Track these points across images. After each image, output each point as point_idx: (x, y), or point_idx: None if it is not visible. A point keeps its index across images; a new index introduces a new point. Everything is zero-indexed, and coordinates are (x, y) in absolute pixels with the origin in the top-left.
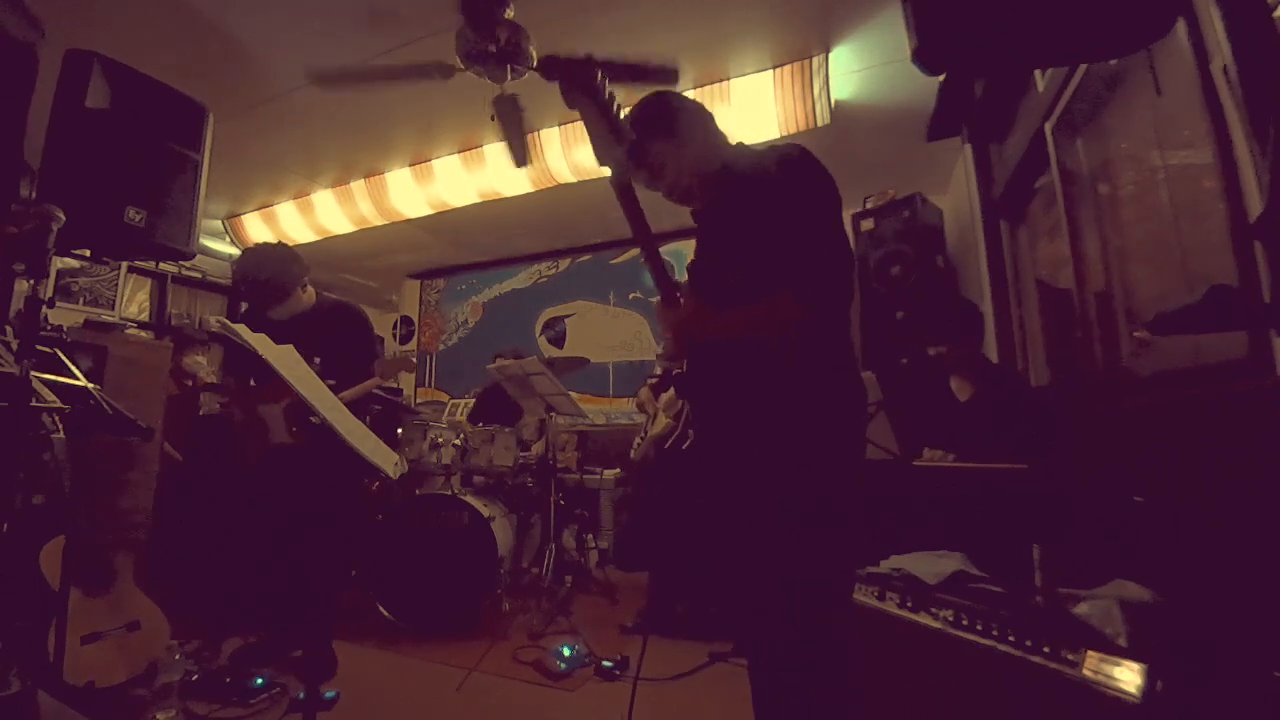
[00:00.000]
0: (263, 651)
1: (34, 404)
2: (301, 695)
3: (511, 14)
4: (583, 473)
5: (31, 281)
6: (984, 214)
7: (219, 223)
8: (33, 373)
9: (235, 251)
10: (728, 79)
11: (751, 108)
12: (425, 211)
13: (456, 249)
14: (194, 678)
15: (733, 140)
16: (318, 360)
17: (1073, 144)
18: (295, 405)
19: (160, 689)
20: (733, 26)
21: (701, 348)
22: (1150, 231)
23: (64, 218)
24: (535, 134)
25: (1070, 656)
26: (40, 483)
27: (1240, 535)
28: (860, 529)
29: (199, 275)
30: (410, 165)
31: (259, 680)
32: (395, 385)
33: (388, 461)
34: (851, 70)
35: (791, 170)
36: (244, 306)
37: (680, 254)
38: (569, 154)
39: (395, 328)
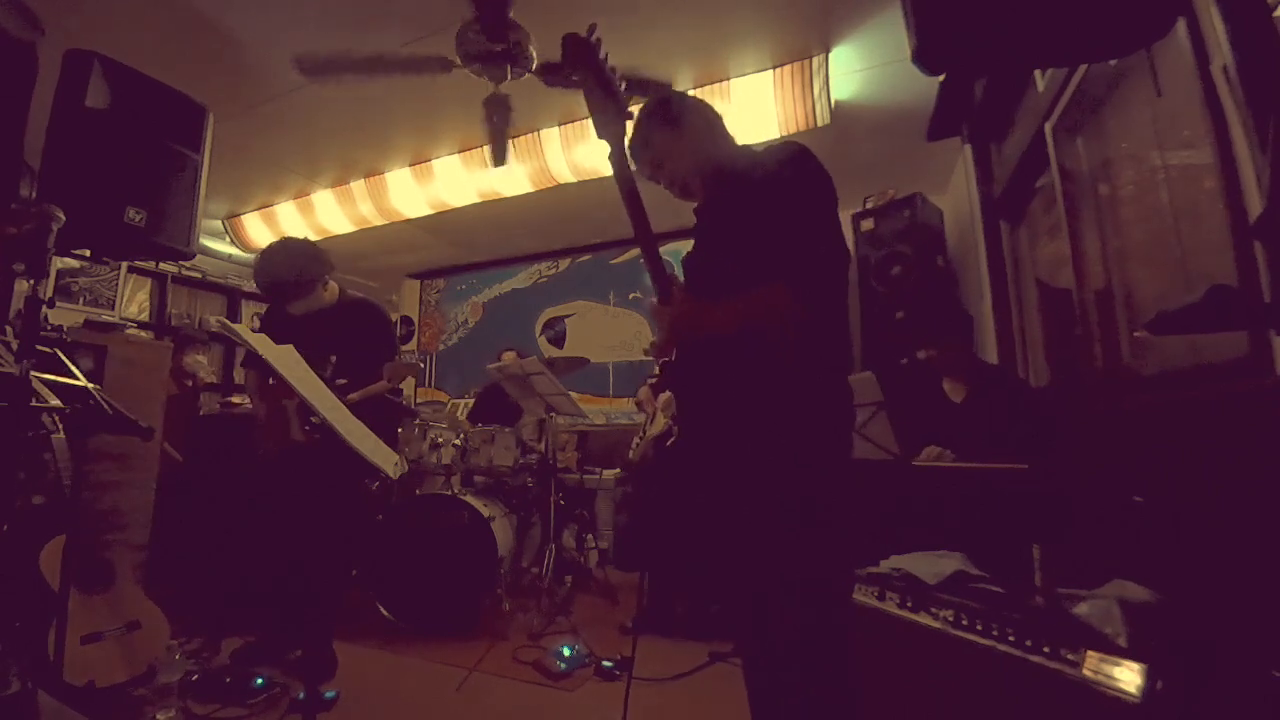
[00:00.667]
0: (262, 651)
1: (34, 404)
2: (301, 695)
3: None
4: (583, 473)
5: (31, 281)
6: (984, 214)
7: (219, 223)
8: (33, 373)
9: (235, 251)
10: (728, 79)
11: (751, 108)
12: (425, 211)
13: (456, 249)
14: (194, 678)
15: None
16: (333, 359)
17: (1073, 144)
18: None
19: (160, 689)
20: (733, 26)
21: (692, 341)
22: (1150, 231)
23: (64, 218)
24: (535, 134)
25: (1070, 656)
26: (40, 483)
27: (1240, 535)
28: (860, 529)
29: (199, 275)
30: (410, 165)
31: (259, 680)
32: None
33: (388, 461)
34: (851, 70)
35: (789, 166)
36: (255, 318)
37: (679, 254)
38: (569, 154)
39: (395, 328)
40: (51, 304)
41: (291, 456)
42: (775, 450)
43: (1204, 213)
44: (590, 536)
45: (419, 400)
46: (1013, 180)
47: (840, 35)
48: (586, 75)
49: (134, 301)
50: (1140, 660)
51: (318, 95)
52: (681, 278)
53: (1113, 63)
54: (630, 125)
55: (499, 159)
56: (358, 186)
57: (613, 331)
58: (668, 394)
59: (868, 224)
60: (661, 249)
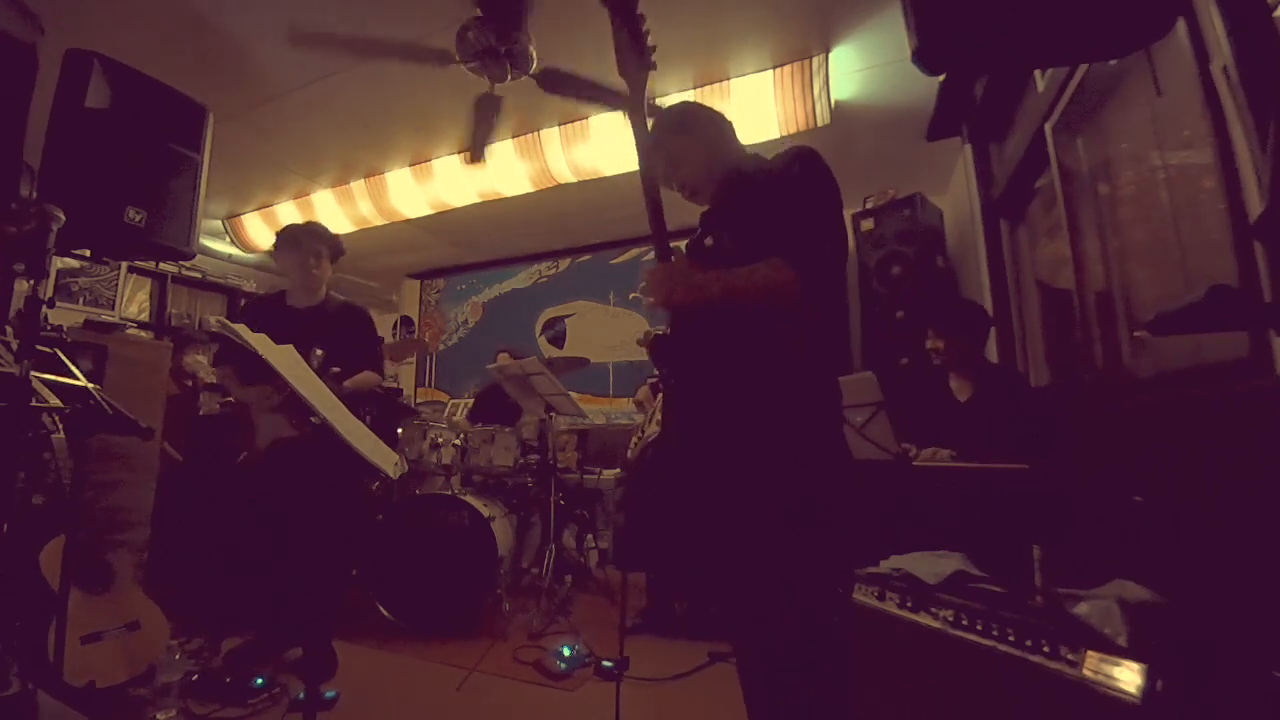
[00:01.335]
0: (259, 650)
1: (34, 404)
2: (301, 695)
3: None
4: (583, 473)
5: (31, 281)
6: (984, 214)
7: (219, 223)
8: (33, 373)
9: (235, 251)
10: (728, 79)
11: (751, 108)
12: (425, 211)
13: (456, 249)
14: (194, 678)
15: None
16: (319, 352)
17: (1073, 144)
18: (295, 397)
19: (160, 689)
20: (733, 26)
21: (688, 319)
22: (1150, 231)
23: (64, 218)
24: (535, 134)
25: (1070, 656)
26: (40, 483)
27: (1240, 535)
28: (860, 529)
29: (199, 275)
30: (410, 165)
31: (259, 680)
32: (395, 385)
33: (388, 461)
34: (852, 70)
35: (798, 165)
36: (242, 315)
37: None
38: (569, 154)
39: (395, 328)
40: (51, 304)
41: (287, 455)
42: (776, 450)
43: (1204, 213)
44: (590, 536)
45: (419, 400)
46: (1013, 180)
47: (840, 35)
48: (616, 13)
49: (134, 301)
50: (1140, 660)
51: (318, 95)
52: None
53: (1113, 63)
54: (653, 71)
55: (477, 156)
56: (358, 186)
57: (613, 331)
58: None
59: (868, 224)
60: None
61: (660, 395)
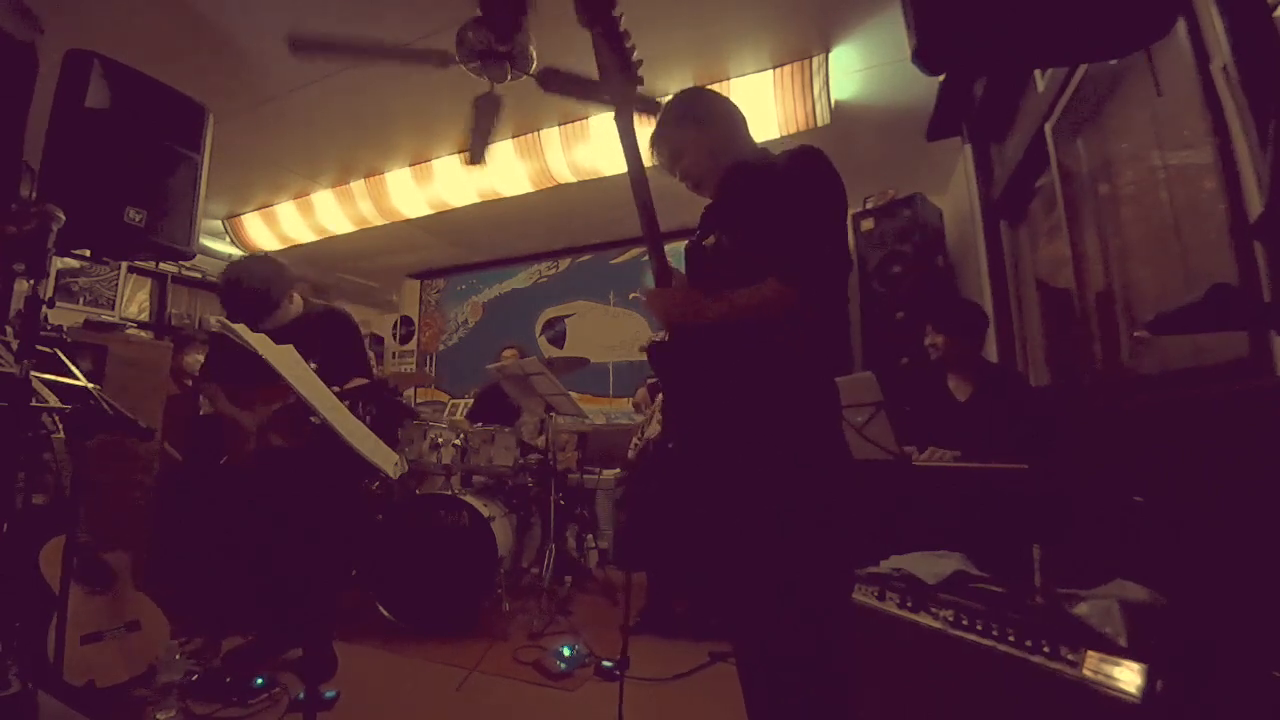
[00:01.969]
0: (259, 650)
1: (34, 404)
2: (301, 695)
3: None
4: (583, 473)
5: (31, 281)
6: (984, 214)
7: (219, 223)
8: (33, 373)
9: (235, 251)
10: (728, 79)
11: (751, 108)
12: (425, 211)
13: (456, 249)
14: (194, 678)
15: None
16: (314, 365)
17: (1073, 144)
18: (285, 409)
19: (160, 689)
20: (733, 26)
21: (686, 331)
22: (1150, 231)
23: (64, 218)
24: (535, 134)
25: (1070, 656)
26: (40, 483)
27: (1240, 535)
28: (860, 529)
29: (199, 275)
30: (410, 165)
31: (259, 680)
32: (395, 386)
33: (388, 461)
34: (852, 70)
35: (803, 163)
36: (217, 321)
37: (679, 255)
38: (569, 154)
39: (395, 328)
40: (51, 304)
41: (273, 459)
42: (776, 450)
43: (1204, 213)
44: (590, 536)
45: (419, 400)
46: (1013, 180)
47: (840, 35)
48: (598, 31)
49: (134, 301)
50: (1140, 660)
51: (318, 95)
52: (683, 268)
53: (1113, 63)
54: (640, 88)
55: (476, 158)
56: (358, 186)
57: (613, 331)
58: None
59: (868, 224)
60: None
61: (658, 397)
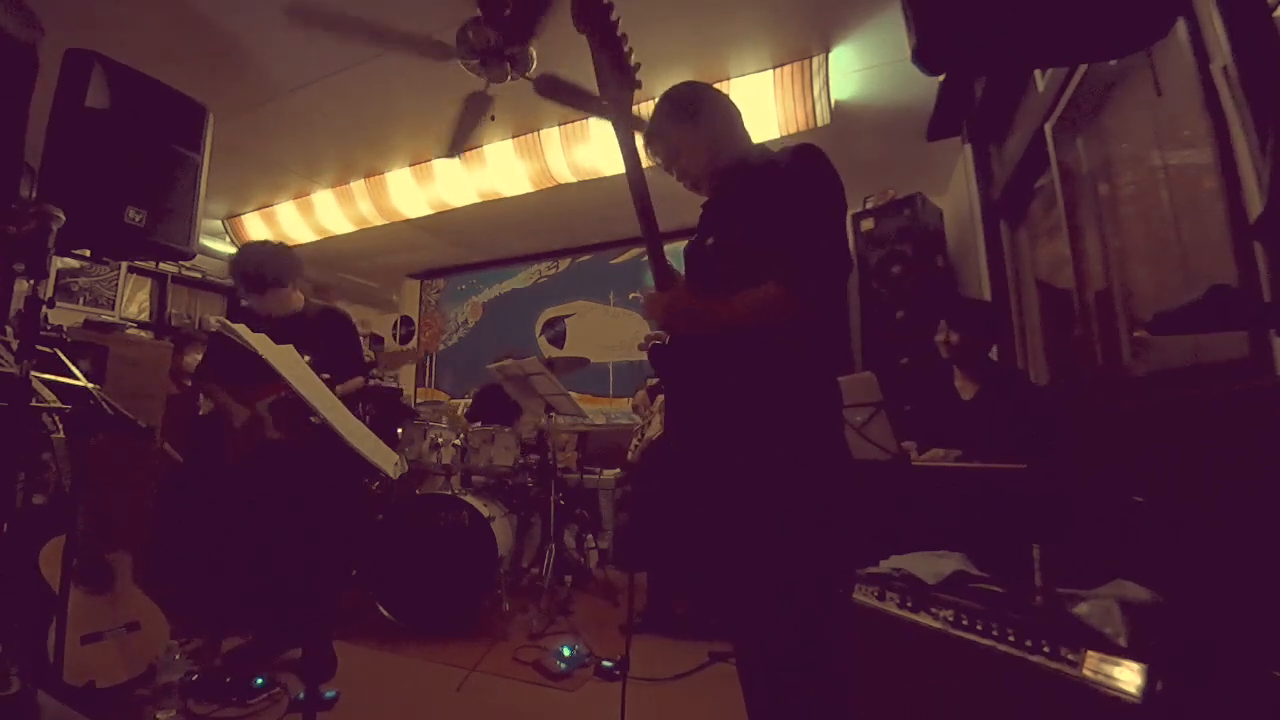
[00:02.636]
0: (259, 650)
1: (34, 404)
2: (301, 695)
3: (509, 12)
4: (583, 473)
5: (31, 281)
6: (984, 214)
7: (219, 223)
8: (33, 373)
9: (235, 251)
10: (728, 79)
11: (751, 108)
12: (425, 211)
13: (456, 249)
14: (194, 678)
15: None
16: (308, 358)
17: (1073, 144)
18: (282, 401)
19: (160, 689)
20: (733, 26)
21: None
22: (1150, 231)
23: (64, 218)
24: (535, 134)
25: (1070, 656)
26: (40, 483)
27: (1240, 535)
28: (859, 529)
29: (199, 275)
30: (410, 165)
31: (259, 680)
32: (396, 386)
33: (388, 461)
34: (851, 70)
35: (802, 161)
36: (217, 321)
37: (678, 255)
38: (569, 154)
39: (395, 328)
40: (51, 304)
41: (270, 455)
42: (775, 450)
43: (1204, 213)
44: (590, 536)
45: (419, 400)
46: (1013, 180)
47: (840, 35)
48: (594, 37)
49: (134, 301)
50: (1140, 660)
51: (318, 95)
52: (682, 268)
53: (1113, 63)
54: (635, 93)
55: (454, 151)
56: (358, 186)
57: (613, 331)
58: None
59: (868, 224)
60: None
61: (658, 398)
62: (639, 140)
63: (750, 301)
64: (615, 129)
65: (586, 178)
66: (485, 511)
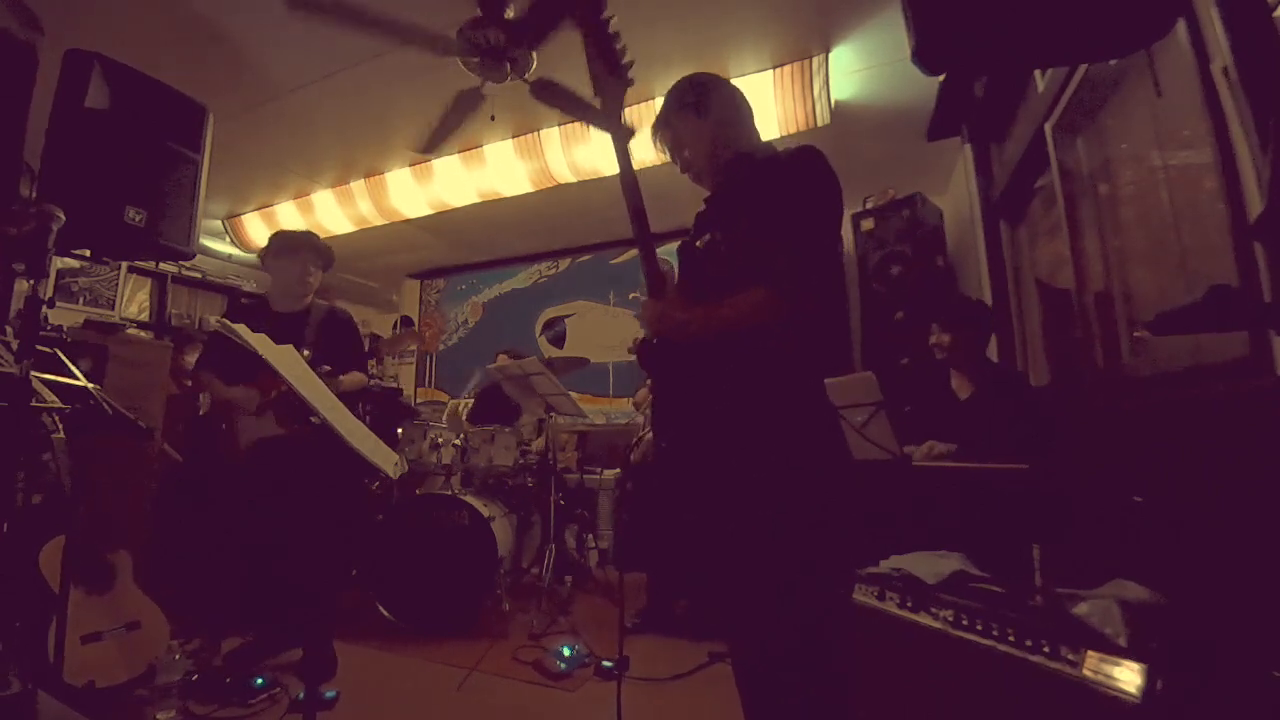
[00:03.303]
0: (259, 650)
1: (34, 404)
2: (301, 695)
3: (511, 14)
4: (583, 473)
5: (31, 281)
6: (984, 214)
7: (219, 223)
8: (33, 373)
9: (235, 251)
10: (728, 79)
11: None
12: (425, 211)
13: (456, 249)
14: (194, 678)
15: None
16: (307, 353)
17: (1073, 144)
18: (281, 396)
19: (160, 689)
20: (733, 26)
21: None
22: (1150, 231)
23: (64, 218)
24: (535, 134)
25: (1070, 656)
26: (40, 483)
27: (1240, 535)
28: (859, 529)
29: (199, 275)
30: (410, 165)
31: (259, 680)
32: (396, 386)
33: (388, 461)
34: (851, 70)
35: (799, 165)
36: (217, 321)
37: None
38: (569, 154)
39: (395, 328)
40: (51, 304)
41: (271, 453)
42: (768, 451)
43: (1204, 213)
44: (590, 536)
45: (419, 400)
46: (1013, 180)
47: (840, 35)
48: (586, 33)
49: (134, 301)
50: (1140, 660)
51: (318, 95)
52: (676, 267)
53: (1113, 63)
54: (629, 90)
55: (431, 147)
56: (358, 186)
57: (613, 331)
58: None
59: (868, 224)
60: (658, 249)
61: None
62: (636, 139)
63: (738, 306)
64: (610, 129)
65: (586, 178)
66: (485, 511)
